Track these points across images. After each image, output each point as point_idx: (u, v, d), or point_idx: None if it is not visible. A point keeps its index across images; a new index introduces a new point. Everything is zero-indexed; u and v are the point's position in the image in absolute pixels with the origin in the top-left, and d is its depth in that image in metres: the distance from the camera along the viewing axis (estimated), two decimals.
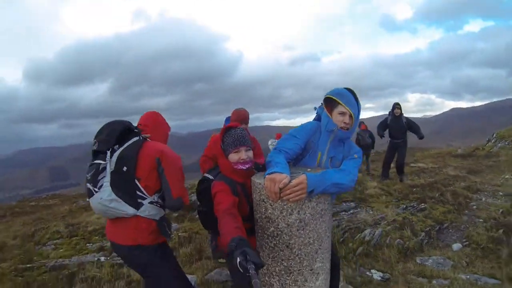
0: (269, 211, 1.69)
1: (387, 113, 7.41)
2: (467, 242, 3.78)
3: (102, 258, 4.62)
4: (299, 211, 1.63)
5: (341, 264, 3.54)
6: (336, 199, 6.09)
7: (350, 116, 1.87)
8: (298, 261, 1.69)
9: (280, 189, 1.58)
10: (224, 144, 1.89)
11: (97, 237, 5.96)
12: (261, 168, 2.08)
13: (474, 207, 5.31)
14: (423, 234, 3.72)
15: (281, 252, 1.70)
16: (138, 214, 1.94)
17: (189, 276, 3.33)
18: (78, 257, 4.82)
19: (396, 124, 7.03)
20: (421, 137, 6.95)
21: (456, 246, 3.69)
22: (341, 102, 1.85)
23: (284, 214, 1.65)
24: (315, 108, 2.17)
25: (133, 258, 2.04)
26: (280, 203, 1.64)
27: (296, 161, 2.08)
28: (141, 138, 2.05)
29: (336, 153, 1.97)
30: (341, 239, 4.12)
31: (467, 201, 5.49)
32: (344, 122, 1.87)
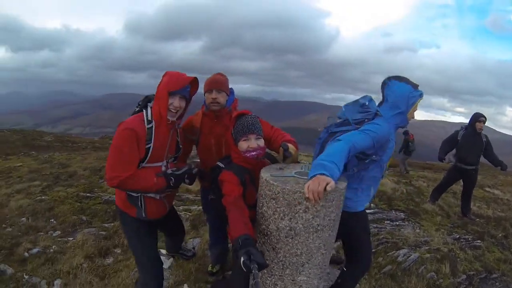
0: (264, 208, 1.63)
1: (460, 127, 5.28)
2: None
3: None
4: (290, 218, 1.52)
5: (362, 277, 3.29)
6: (388, 205, 5.54)
7: None
8: (281, 267, 1.61)
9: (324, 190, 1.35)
10: (234, 131, 1.84)
11: None
12: (274, 159, 2.05)
13: None
14: (463, 277, 3.17)
15: (267, 252, 1.64)
16: None
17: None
18: None
19: (473, 144, 4.92)
20: (504, 168, 5.02)
21: None
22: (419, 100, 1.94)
23: (276, 216, 1.56)
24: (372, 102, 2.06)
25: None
26: (273, 205, 1.54)
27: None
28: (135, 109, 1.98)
29: None
30: (373, 251, 3.80)
31: None
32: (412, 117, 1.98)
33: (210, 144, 2.30)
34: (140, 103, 1.97)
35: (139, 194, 1.97)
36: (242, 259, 1.28)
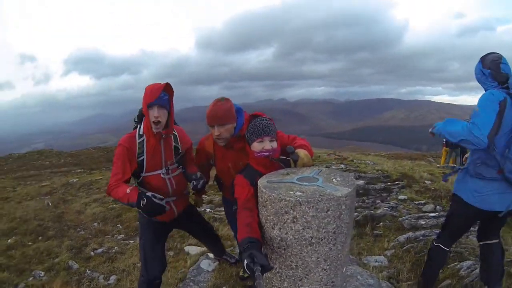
0: (260, 216, 1.57)
1: None
2: None
3: (208, 210, 5.12)
4: (280, 228, 1.42)
5: None
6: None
7: None
8: (279, 279, 1.52)
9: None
10: (248, 133, 1.83)
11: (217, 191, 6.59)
12: (287, 162, 1.90)
13: None
14: None
15: None
16: None
17: None
18: None
19: None
20: None
21: None
22: None
23: (267, 225, 1.49)
24: None
25: None
26: (265, 212, 1.49)
27: None
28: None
29: None
30: None
31: None
32: None
33: (227, 167, 2.25)
34: (136, 119, 2.16)
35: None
36: (245, 262, 1.28)
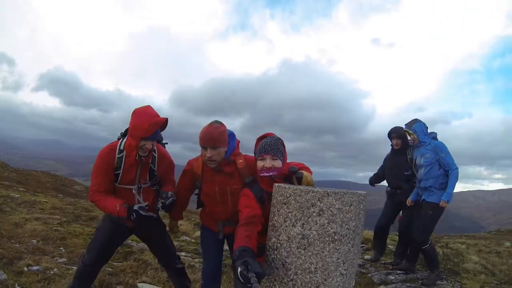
0: (275, 218, 1.51)
1: None
2: None
3: None
4: (303, 224, 1.37)
5: None
6: (421, 265, 4.74)
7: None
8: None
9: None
10: (255, 152, 1.88)
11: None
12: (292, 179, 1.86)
13: None
14: None
15: (276, 271, 1.45)
16: None
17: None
18: None
19: (394, 163, 4.12)
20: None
21: None
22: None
23: (287, 223, 1.42)
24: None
25: None
26: (285, 210, 1.42)
27: None
28: None
29: None
30: None
31: None
32: None
33: (214, 191, 2.16)
34: (122, 133, 2.24)
35: None
36: (239, 269, 1.23)
